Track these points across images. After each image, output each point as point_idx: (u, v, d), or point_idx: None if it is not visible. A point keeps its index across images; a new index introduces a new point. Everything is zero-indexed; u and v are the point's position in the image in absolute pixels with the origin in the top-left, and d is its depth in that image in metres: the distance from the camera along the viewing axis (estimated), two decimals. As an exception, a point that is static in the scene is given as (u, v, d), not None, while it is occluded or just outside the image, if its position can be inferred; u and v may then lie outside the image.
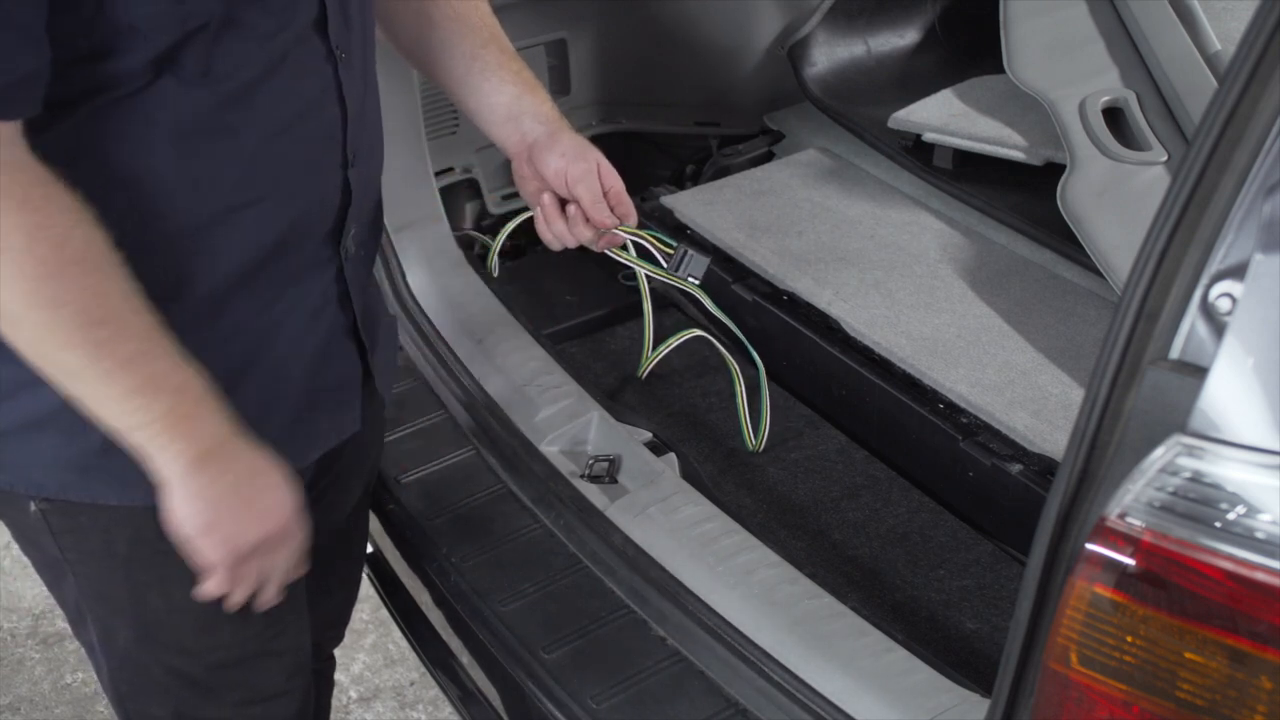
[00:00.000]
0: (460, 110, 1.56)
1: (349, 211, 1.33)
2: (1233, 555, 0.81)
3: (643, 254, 1.61)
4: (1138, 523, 0.85)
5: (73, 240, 1.07)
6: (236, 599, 1.27)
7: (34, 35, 1.04)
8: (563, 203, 1.52)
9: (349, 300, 1.38)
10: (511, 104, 1.50)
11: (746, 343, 1.95)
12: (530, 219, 2.07)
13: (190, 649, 1.41)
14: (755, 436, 1.92)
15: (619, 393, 2.02)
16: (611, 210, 1.50)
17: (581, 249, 1.66)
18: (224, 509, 1.18)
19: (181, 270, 1.22)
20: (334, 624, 1.85)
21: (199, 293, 1.24)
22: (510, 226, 2.10)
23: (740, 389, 1.92)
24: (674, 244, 1.57)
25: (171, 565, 1.32)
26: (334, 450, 1.46)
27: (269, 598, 1.29)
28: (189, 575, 1.32)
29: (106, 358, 1.09)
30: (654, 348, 2.04)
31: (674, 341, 2.03)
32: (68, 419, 1.21)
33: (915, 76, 2.56)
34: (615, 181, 1.52)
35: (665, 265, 1.58)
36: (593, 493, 1.68)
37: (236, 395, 1.24)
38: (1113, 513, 0.86)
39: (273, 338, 1.31)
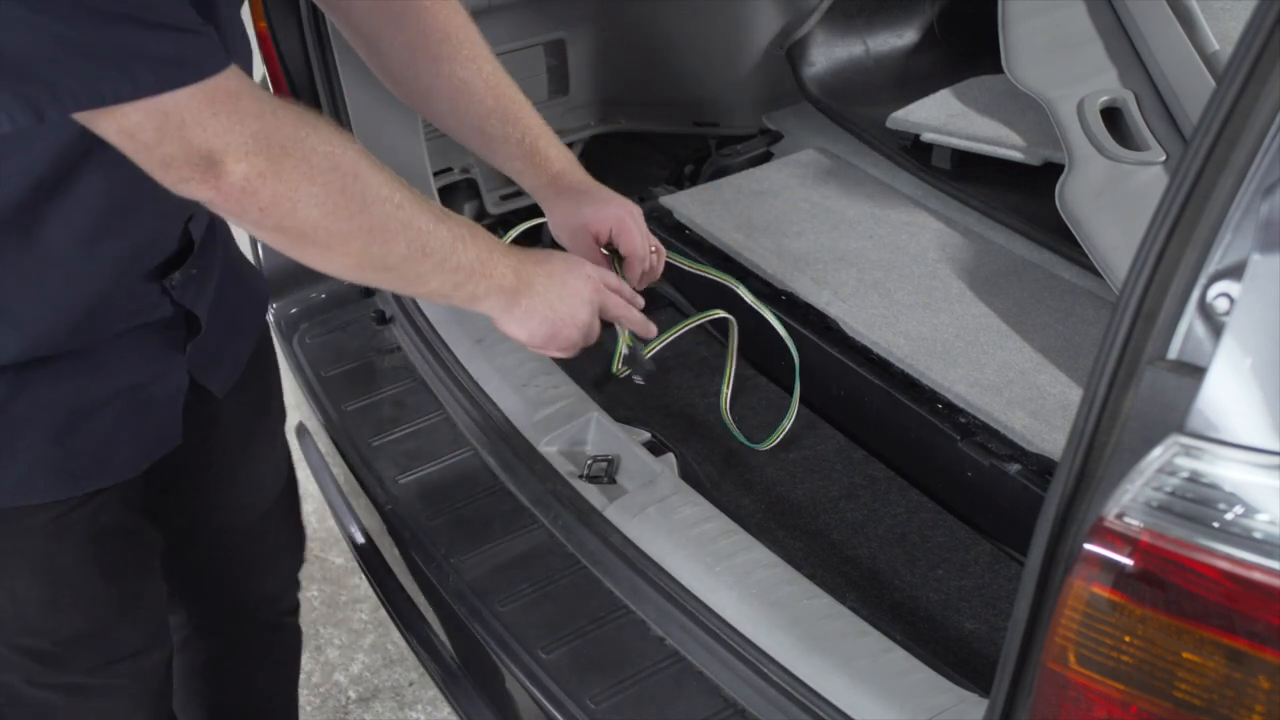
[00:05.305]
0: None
1: (189, 257, 1.36)
2: (1230, 555, 0.81)
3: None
4: (1136, 523, 0.85)
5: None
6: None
7: None
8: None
9: (181, 319, 1.39)
10: (526, 177, 1.59)
11: (785, 335, 1.93)
12: (532, 228, 2.06)
13: (36, 630, 1.44)
14: (768, 437, 1.91)
15: (618, 393, 2.02)
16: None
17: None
18: (540, 325, 1.43)
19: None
20: (284, 576, 1.87)
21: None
22: (514, 235, 2.09)
23: (727, 393, 1.91)
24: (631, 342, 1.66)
25: (11, 562, 1.38)
26: (221, 442, 1.54)
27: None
28: (30, 569, 1.38)
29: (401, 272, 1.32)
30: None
31: (669, 336, 2.02)
32: None
33: (913, 76, 2.56)
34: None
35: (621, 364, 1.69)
36: (591, 493, 1.68)
37: (35, 392, 1.29)
38: (1111, 513, 0.86)
39: (80, 343, 1.32)
